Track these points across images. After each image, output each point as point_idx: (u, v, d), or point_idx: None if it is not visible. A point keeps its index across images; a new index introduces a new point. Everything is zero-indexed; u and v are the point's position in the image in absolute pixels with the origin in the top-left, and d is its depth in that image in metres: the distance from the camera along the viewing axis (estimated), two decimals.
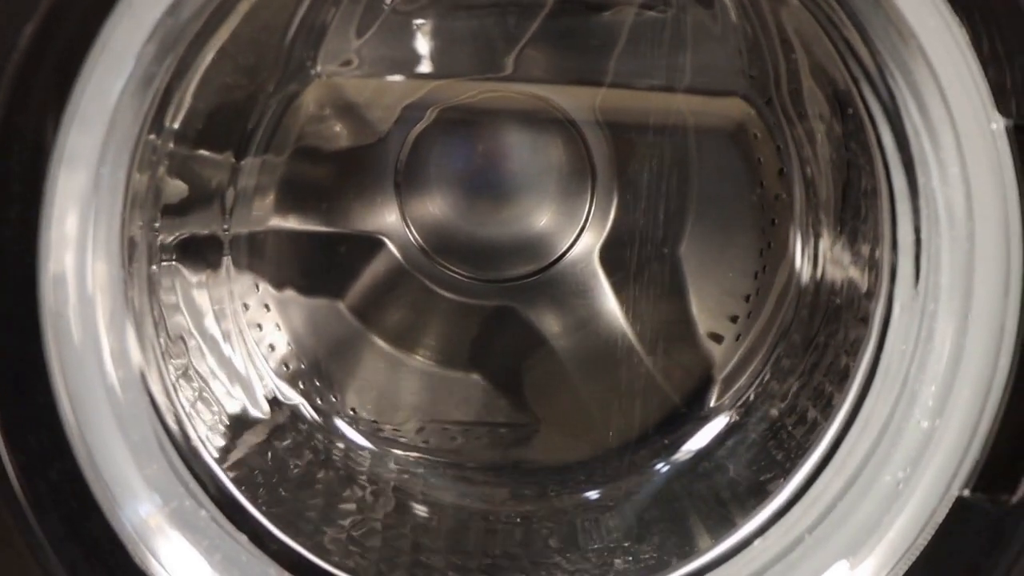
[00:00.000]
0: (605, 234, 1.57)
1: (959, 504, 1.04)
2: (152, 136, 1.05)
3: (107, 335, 1.00)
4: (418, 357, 1.59)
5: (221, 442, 1.23)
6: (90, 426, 0.98)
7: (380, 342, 1.58)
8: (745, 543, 1.17)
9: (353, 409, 1.53)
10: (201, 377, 1.27)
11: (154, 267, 1.17)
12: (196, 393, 1.23)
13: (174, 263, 1.28)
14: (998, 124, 0.98)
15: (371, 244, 1.57)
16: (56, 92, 0.92)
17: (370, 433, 1.50)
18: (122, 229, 1.01)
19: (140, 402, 1.03)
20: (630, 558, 1.26)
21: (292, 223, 1.52)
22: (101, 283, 1.00)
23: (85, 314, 0.99)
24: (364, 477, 1.41)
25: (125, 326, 1.02)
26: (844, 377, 1.21)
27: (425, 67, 1.49)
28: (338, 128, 1.52)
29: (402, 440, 1.53)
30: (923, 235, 1.08)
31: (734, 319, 1.54)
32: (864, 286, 1.22)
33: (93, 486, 0.99)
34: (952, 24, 0.97)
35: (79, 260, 0.97)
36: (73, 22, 0.92)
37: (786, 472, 1.21)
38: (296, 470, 1.34)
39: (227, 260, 1.43)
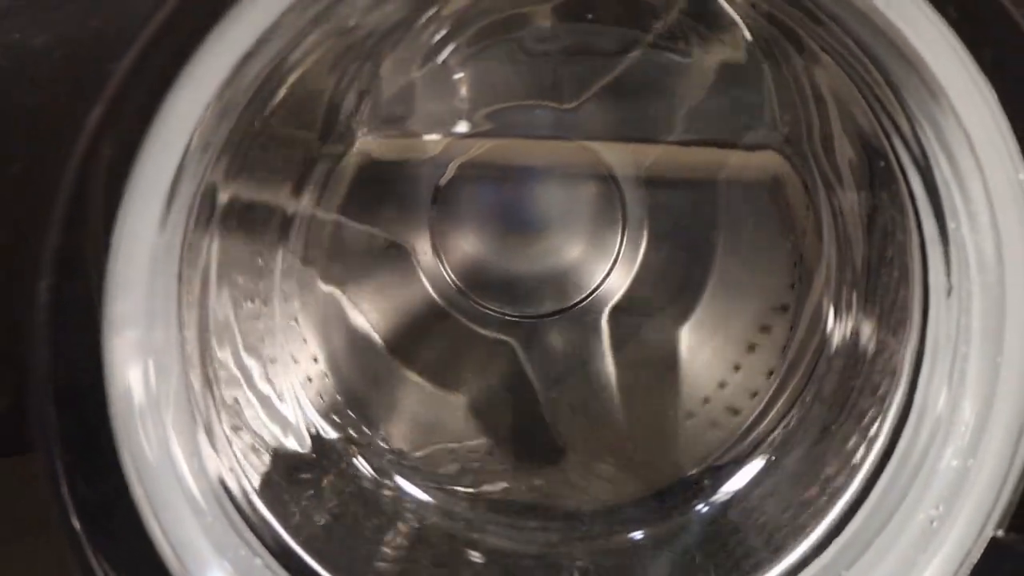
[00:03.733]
0: (628, 282, 1.60)
1: (994, 545, 1.05)
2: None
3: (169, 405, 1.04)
4: (453, 394, 1.60)
5: (276, 496, 1.25)
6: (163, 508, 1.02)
7: (414, 378, 1.60)
8: None
9: (392, 449, 1.55)
10: (252, 429, 1.30)
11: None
12: (248, 445, 1.26)
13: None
14: None
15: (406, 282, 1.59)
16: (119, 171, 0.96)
17: (411, 473, 1.52)
18: (179, 297, 1.05)
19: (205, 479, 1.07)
20: None
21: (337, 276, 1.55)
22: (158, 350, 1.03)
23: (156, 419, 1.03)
24: (410, 521, 1.43)
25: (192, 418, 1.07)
26: (878, 416, 1.23)
27: (462, 126, 1.51)
28: (381, 186, 1.55)
29: (439, 478, 1.54)
30: (954, 280, 1.10)
31: (766, 365, 1.56)
32: (895, 330, 1.24)
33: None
34: (981, 84, 0.99)
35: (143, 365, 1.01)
36: (135, 102, 0.95)
37: (821, 511, 1.23)
38: (345, 517, 1.36)
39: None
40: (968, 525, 1.07)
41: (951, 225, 1.08)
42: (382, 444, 1.53)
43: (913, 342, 1.18)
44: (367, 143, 1.49)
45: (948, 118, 1.02)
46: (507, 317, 1.61)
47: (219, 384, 1.21)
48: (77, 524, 0.97)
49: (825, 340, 1.45)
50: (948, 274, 1.11)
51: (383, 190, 1.55)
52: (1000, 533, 1.05)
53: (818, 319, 1.46)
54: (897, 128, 1.10)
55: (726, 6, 1.36)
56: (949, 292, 1.12)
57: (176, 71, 0.95)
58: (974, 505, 1.07)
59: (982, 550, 1.06)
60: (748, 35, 1.39)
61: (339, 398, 1.53)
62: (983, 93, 1.00)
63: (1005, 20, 0.97)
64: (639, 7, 1.43)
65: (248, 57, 0.99)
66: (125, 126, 0.94)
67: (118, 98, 0.93)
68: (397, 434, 1.56)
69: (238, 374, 1.30)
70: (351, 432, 1.50)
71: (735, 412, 1.55)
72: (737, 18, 1.37)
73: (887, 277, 1.29)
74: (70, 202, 0.94)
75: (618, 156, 1.55)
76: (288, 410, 1.41)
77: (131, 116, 0.94)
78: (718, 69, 1.45)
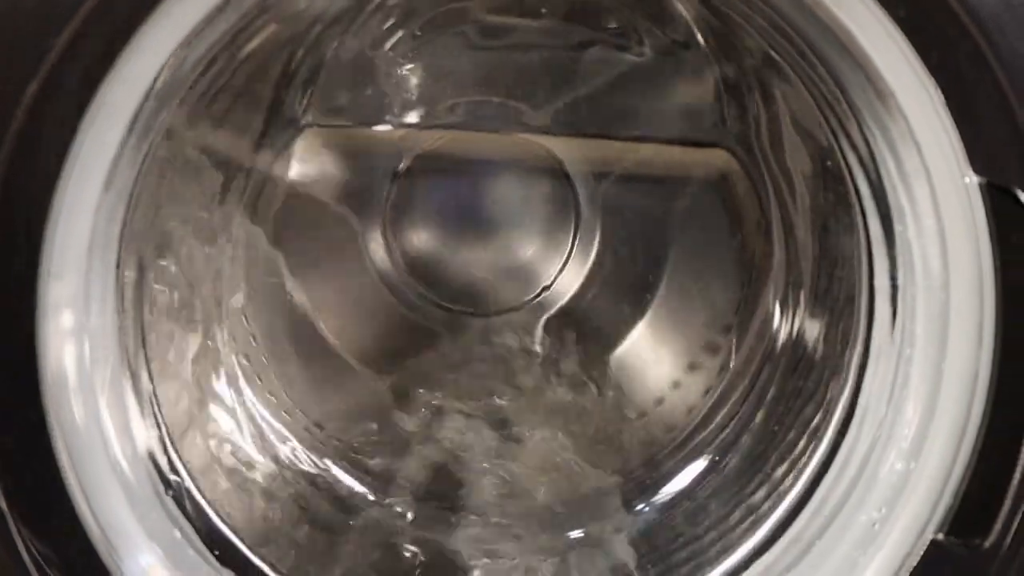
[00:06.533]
0: (581, 280, 1.60)
1: (933, 547, 1.06)
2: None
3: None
4: (391, 381, 1.59)
5: (212, 482, 1.24)
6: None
7: (351, 361, 1.58)
8: None
9: (325, 433, 1.53)
10: (190, 413, 1.29)
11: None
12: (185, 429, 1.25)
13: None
14: (971, 179, 1.00)
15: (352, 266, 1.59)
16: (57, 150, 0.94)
17: (347, 463, 1.50)
18: (117, 281, 1.04)
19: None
20: None
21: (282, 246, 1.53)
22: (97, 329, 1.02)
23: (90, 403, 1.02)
24: (347, 512, 1.42)
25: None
26: (823, 419, 1.24)
27: (412, 117, 1.51)
28: (327, 175, 1.54)
29: (374, 468, 1.52)
30: (899, 283, 1.11)
31: (713, 368, 1.56)
32: (842, 333, 1.24)
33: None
34: (928, 85, 0.99)
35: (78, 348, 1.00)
36: (73, 81, 0.93)
37: (766, 511, 1.24)
38: (281, 506, 1.35)
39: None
40: (909, 528, 1.08)
41: (897, 228, 1.08)
42: (316, 429, 1.52)
43: (858, 344, 1.18)
44: (313, 132, 1.48)
45: (895, 119, 1.02)
46: (453, 310, 1.60)
47: (157, 367, 1.19)
48: (3, 504, 0.95)
49: (773, 339, 1.45)
50: (893, 277, 1.12)
51: (329, 180, 1.54)
52: (940, 536, 1.05)
53: (765, 318, 1.47)
54: (845, 129, 1.10)
55: (678, 5, 1.36)
56: (894, 295, 1.12)
57: (117, 50, 0.94)
58: (915, 508, 1.07)
59: (922, 552, 1.06)
60: (699, 35, 1.39)
61: (275, 380, 1.51)
62: (930, 94, 1.00)
63: (953, 22, 0.97)
64: (593, 6, 1.43)
65: (191, 37, 0.97)
66: (63, 105, 0.93)
67: (56, 74, 0.92)
68: (330, 418, 1.54)
69: (175, 356, 1.29)
70: (286, 415, 1.48)
71: (687, 411, 1.55)
72: (689, 17, 1.37)
73: (834, 278, 1.29)
74: (5, 180, 0.93)
75: (571, 152, 1.55)
76: (225, 392, 1.39)
77: (70, 94, 0.93)
78: (670, 67, 1.45)
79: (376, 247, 1.58)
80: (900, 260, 1.10)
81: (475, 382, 1.58)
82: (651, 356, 1.59)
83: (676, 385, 1.58)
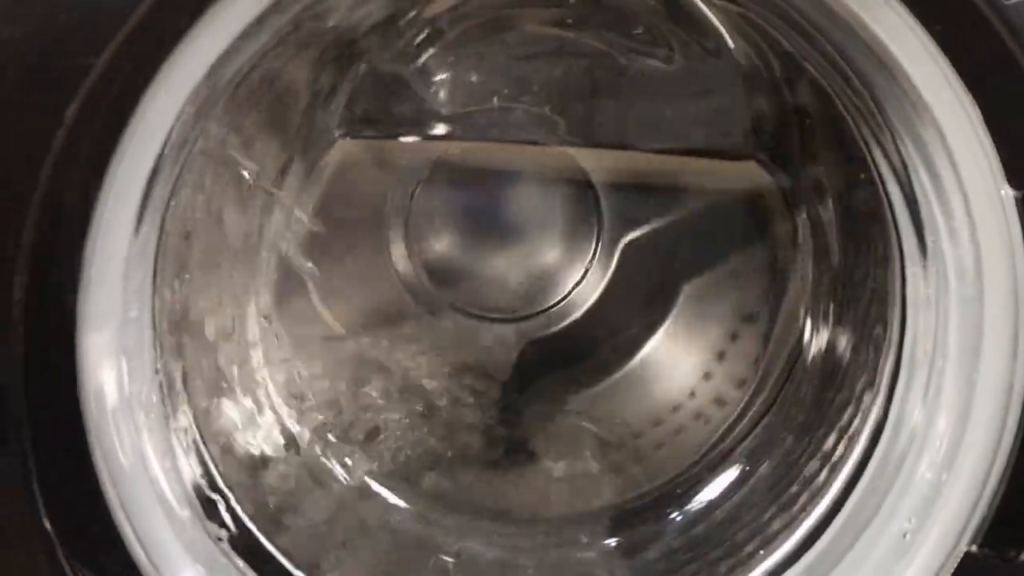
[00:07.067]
0: (602, 286, 1.60)
1: (967, 559, 1.05)
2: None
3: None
4: (420, 391, 1.59)
5: (252, 499, 1.23)
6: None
7: (381, 375, 1.58)
8: None
9: (361, 447, 1.52)
10: (227, 431, 1.29)
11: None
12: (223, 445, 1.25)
13: None
14: (1007, 192, 1.00)
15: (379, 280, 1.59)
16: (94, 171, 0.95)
17: (383, 476, 1.50)
18: (153, 295, 1.04)
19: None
20: None
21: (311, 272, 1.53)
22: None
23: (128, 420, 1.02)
24: (383, 523, 1.42)
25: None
26: (853, 428, 1.23)
27: (441, 128, 1.51)
28: (358, 184, 1.54)
29: (408, 479, 1.52)
30: (932, 294, 1.10)
31: (740, 381, 1.56)
32: (873, 344, 1.24)
33: None
34: (965, 100, 0.99)
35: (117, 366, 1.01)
36: (111, 99, 0.94)
37: (796, 520, 1.23)
38: (321, 522, 1.35)
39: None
40: (941, 539, 1.07)
41: (930, 239, 1.08)
42: (356, 444, 1.51)
43: (890, 355, 1.18)
44: (345, 144, 1.48)
45: (930, 133, 1.02)
46: (479, 317, 1.60)
47: (192, 382, 1.19)
48: (48, 525, 0.96)
49: (801, 350, 1.45)
50: (927, 288, 1.11)
51: (360, 190, 1.54)
52: (974, 548, 1.05)
53: (793, 329, 1.46)
54: (878, 141, 1.10)
55: (710, 14, 1.36)
56: (927, 306, 1.11)
57: (155, 68, 0.94)
58: (948, 519, 1.07)
59: (955, 565, 1.06)
60: (731, 44, 1.38)
61: (309, 395, 1.51)
62: (967, 109, 0.99)
63: (990, 35, 0.96)
64: (622, 13, 1.43)
65: (227, 55, 0.98)
66: (102, 123, 0.93)
67: (95, 94, 0.92)
68: (367, 435, 1.53)
69: (211, 371, 1.28)
70: (323, 432, 1.48)
71: (706, 420, 1.55)
72: (721, 27, 1.37)
73: (865, 289, 1.29)
74: (46, 198, 0.93)
75: (596, 162, 1.55)
76: (260, 406, 1.39)
77: (108, 112, 0.93)
78: (700, 77, 1.44)
79: (400, 254, 1.58)
80: (933, 272, 1.09)
81: (501, 388, 1.58)
82: (670, 365, 1.59)
83: (693, 395, 1.58)
